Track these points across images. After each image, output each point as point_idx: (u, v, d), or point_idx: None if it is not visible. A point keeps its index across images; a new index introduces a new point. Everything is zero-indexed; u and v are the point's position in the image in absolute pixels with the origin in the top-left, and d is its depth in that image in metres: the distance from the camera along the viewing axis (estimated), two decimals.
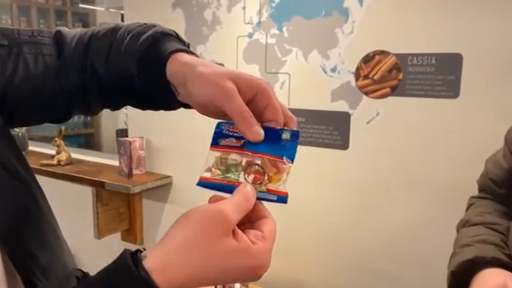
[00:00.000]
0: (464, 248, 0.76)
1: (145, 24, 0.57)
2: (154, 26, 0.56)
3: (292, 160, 0.47)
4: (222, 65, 0.51)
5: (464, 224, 0.86)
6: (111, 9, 4.62)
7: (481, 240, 0.76)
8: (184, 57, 0.52)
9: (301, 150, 1.69)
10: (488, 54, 1.30)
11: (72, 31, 0.62)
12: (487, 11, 1.28)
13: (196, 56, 0.54)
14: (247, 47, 1.74)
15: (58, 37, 0.60)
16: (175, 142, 1.99)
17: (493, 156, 0.92)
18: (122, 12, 2.12)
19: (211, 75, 0.47)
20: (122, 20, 2.12)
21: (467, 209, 0.93)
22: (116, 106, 0.66)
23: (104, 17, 4.76)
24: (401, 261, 1.50)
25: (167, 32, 0.56)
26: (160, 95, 0.55)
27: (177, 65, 0.51)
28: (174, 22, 1.90)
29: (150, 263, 0.38)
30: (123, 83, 0.56)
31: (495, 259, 0.70)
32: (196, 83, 0.48)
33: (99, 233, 2.00)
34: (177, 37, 0.57)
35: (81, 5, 4.73)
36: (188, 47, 0.57)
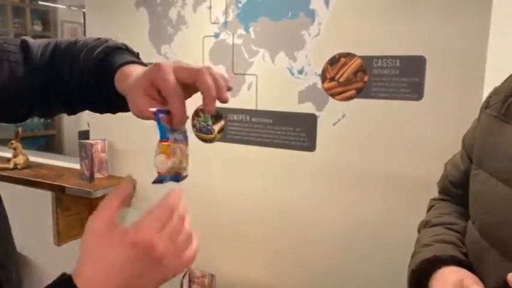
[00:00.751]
0: (424, 248, 0.78)
1: (99, 38, 0.65)
2: (107, 40, 0.64)
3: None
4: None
5: (425, 224, 0.88)
6: (73, 7, 4.47)
7: (440, 239, 0.77)
8: (126, 69, 0.58)
9: (269, 152, 1.69)
10: (451, 57, 1.33)
11: (37, 41, 0.68)
12: (450, 14, 1.31)
13: (144, 65, 0.60)
14: (214, 47, 1.71)
15: (24, 45, 0.66)
16: (139, 144, 1.93)
17: (452, 159, 0.94)
18: (84, 10, 2.04)
19: (130, 90, 0.54)
20: (84, 18, 2.04)
21: (428, 210, 0.95)
22: (74, 111, 0.71)
23: (65, 15, 4.60)
24: (369, 259, 1.52)
25: (118, 46, 0.63)
26: (115, 102, 0.61)
27: (120, 77, 0.58)
28: (138, 21, 1.85)
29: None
30: (83, 90, 0.63)
31: (452, 257, 0.71)
32: (127, 96, 0.55)
33: (59, 240, 1.92)
34: (128, 50, 0.64)
35: (40, 2, 4.55)
36: (138, 57, 0.65)
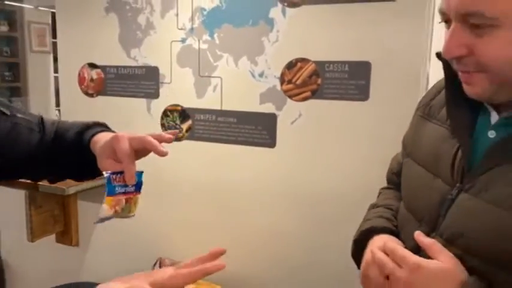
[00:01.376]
0: (365, 222, 0.93)
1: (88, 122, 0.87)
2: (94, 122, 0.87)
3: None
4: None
5: (372, 206, 1.03)
6: (41, 8, 4.46)
7: (379, 216, 0.93)
8: (97, 137, 0.80)
9: (234, 149, 1.83)
10: (393, 62, 1.50)
11: (49, 119, 0.90)
12: (393, 23, 1.48)
13: (112, 131, 0.85)
14: (181, 52, 1.83)
15: (41, 120, 0.87)
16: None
17: (397, 154, 1.10)
18: (53, 10, 2.11)
19: (98, 155, 0.76)
20: (53, 20, 2.11)
21: (378, 196, 1.10)
22: (57, 181, 0.92)
23: (33, 15, 4.58)
24: (329, 245, 1.67)
25: (97, 122, 0.87)
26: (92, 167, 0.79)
27: (93, 143, 0.79)
28: (108, 26, 1.94)
29: None
30: (70, 160, 0.84)
31: (384, 228, 0.86)
32: (97, 158, 0.77)
33: (33, 236, 1.98)
34: (102, 125, 0.87)
35: (7, 2, 4.51)
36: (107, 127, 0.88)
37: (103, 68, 1.99)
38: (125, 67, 1.96)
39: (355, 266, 0.92)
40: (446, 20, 0.67)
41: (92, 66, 2.01)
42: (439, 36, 1.57)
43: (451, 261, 0.65)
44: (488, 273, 0.62)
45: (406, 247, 0.75)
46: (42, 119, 0.88)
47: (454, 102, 0.72)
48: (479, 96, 0.67)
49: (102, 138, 0.78)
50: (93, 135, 0.81)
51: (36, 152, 0.82)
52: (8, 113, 0.80)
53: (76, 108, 2.10)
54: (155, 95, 1.92)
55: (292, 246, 1.73)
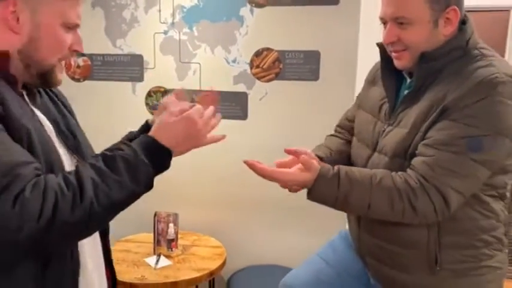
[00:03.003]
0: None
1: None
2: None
3: None
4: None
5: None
6: None
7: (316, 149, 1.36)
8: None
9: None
10: (336, 51, 2.00)
11: None
12: (336, 22, 1.97)
13: None
14: (163, 42, 2.18)
15: None
16: None
17: (348, 110, 1.51)
18: None
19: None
20: None
21: (325, 140, 1.49)
22: None
23: None
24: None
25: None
26: None
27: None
28: (95, 19, 2.22)
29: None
30: None
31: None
32: None
33: None
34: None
35: None
36: None
37: (89, 55, 2.27)
38: (111, 55, 2.26)
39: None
40: (384, 23, 1.14)
41: (78, 53, 2.28)
42: (365, 32, 2.10)
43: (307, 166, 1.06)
44: (396, 163, 1.09)
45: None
46: None
47: (386, 74, 1.19)
48: (404, 67, 1.12)
49: None
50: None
51: None
52: None
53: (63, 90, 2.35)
54: (140, 78, 2.25)
55: (268, 203, 2.19)
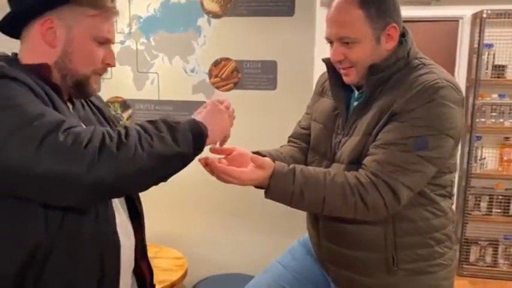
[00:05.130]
0: None
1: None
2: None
3: None
4: None
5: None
6: None
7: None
8: None
9: None
10: (293, 60, 2.05)
11: None
12: (291, 33, 2.02)
13: None
14: (120, 52, 2.16)
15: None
16: None
17: (301, 119, 1.57)
18: None
19: None
20: None
21: None
22: None
23: None
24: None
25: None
26: None
27: None
28: None
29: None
30: None
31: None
32: None
33: None
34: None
35: None
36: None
37: None
38: None
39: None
40: (330, 42, 1.20)
41: None
42: (320, 41, 2.15)
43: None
44: (352, 169, 1.13)
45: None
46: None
47: (335, 88, 1.25)
48: (352, 82, 1.19)
49: None
50: None
51: None
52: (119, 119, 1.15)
53: None
54: (97, 89, 2.20)
55: (230, 211, 2.20)
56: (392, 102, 1.10)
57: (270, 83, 2.08)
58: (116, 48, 2.16)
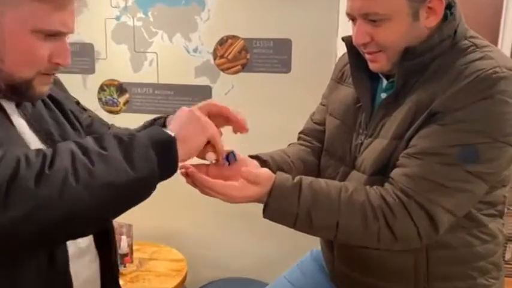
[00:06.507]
0: None
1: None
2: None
3: None
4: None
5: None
6: None
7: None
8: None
9: None
10: (310, 39, 1.76)
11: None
12: (310, 6, 1.73)
13: None
14: (116, 29, 1.92)
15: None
16: None
17: (315, 112, 1.31)
18: None
19: None
20: None
21: None
22: None
23: None
24: None
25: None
26: None
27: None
28: None
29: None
30: None
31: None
32: None
33: None
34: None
35: None
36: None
37: None
38: None
39: None
40: (352, 19, 0.92)
41: None
42: (344, 17, 1.86)
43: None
44: (376, 182, 0.88)
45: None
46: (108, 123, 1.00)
47: (357, 74, 0.99)
48: (381, 70, 0.93)
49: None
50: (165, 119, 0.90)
51: None
52: (86, 108, 0.93)
53: None
54: (90, 70, 1.99)
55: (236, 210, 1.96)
56: (432, 97, 0.84)
57: (283, 65, 1.80)
58: (110, 24, 1.92)
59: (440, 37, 0.87)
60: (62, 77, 2.03)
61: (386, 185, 0.87)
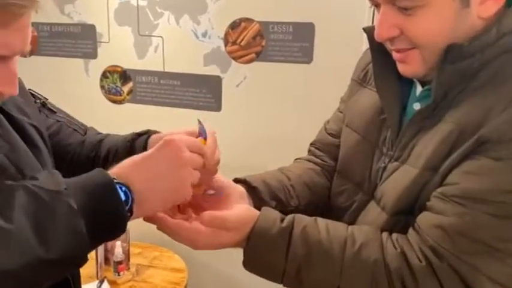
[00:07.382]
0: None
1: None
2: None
3: None
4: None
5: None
6: None
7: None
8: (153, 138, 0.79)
9: (178, 113, 1.78)
10: (336, 24, 1.49)
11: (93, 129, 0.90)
12: None
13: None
14: (119, 8, 1.72)
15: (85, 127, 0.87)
16: None
17: (331, 118, 1.08)
18: None
19: None
20: None
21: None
22: None
23: None
24: None
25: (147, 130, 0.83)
26: None
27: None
28: None
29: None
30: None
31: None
32: None
33: None
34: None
35: None
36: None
37: (35, 24, 1.84)
38: (59, 24, 1.83)
39: None
40: (375, 4, 0.67)
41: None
42: None
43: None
44: (400, 223, 0.65)
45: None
46: (86, 126, 0.88)
47: (382, 76, 0.73)
48: (415, 74, 0.68)
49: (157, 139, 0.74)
50: (147, 139, 0.78)
51: (75, 150, 0.82)
52: (55, 110, 0.80)
53: None
54: (93, 55, 1.81)
55: None
56: (483, 118, 0.59)
57: (305, 54, 1.54)
58: (113, 4, 1.72)
59: (498, 31, 0.61)
60: (64, 62, 1.90)
61: (411, 234, 0.63)
